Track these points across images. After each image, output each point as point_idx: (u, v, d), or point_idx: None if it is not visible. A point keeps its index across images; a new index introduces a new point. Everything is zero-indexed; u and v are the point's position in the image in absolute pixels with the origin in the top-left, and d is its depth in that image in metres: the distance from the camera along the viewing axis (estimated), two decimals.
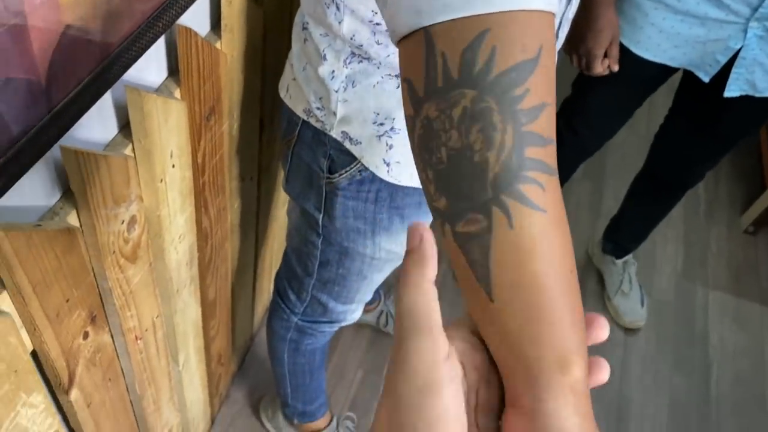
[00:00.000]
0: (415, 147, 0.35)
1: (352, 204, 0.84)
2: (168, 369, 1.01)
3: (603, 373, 0.33)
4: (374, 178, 0.80)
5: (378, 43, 0.68)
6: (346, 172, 0.81)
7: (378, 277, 1.00)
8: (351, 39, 0.69)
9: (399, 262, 0.98)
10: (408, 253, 0.32)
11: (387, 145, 0.76)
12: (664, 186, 1.60)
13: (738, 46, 1.15)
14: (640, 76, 1.31)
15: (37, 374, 0.63)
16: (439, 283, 1.30)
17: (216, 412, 1.49)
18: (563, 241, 0.32)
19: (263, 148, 1.13)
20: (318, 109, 0.78)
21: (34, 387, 0.63)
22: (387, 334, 1.69)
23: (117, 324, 0.78)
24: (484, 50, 0.31)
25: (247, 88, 0.96)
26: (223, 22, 0.80)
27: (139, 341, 0.85)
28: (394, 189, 0.82)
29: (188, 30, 0.69)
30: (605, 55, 1.21)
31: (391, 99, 0.73)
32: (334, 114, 0.76)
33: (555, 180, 0.33)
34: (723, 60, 1.18)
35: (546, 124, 0.32)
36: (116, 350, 0.82)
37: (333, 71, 0.73)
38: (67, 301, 0.65)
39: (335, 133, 0.78)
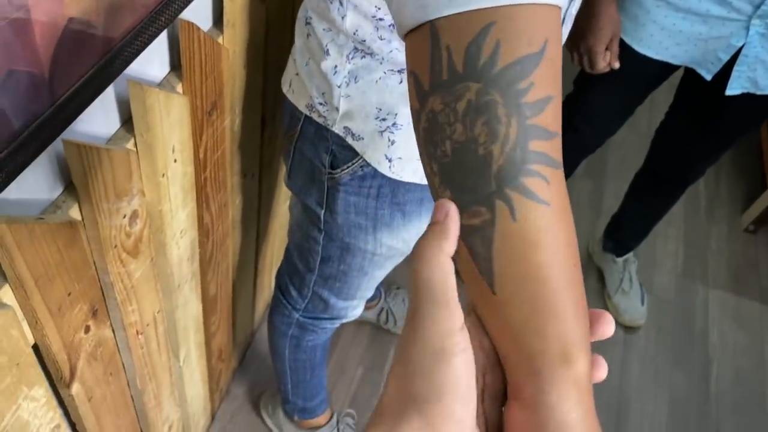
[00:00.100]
0: (421, 140, 0.35)
1: (354, 200, 0.84)
2: (169, 364, 1.01)
3: (601, 371, 0.33)
4: (376, 174, 0.80)
5: (381, 39, 0.68)
6: (348, 167, 0.81)
7: (379, 274, 1.00)
8: (354, 34, 0.69)
9: (400, 259, 0.98)
10: (430, 225, 0.32)
11: (389, 140, 0.76)
12: (665, 182, 1.60)
13: (740, 44, 1.15)
14: (642, 73, 1.31)
15: (38, 367, 0.63)
16: None
17: (216, 408, 1.49)
18: (567, 234, 0.32)
19: (264, 145, 1.13)
20: (320, 104, 0.78)
21: (35, 380, 0.63)
22: (387, 331, 1.69)
23: (118, 318, 0.78)
24: (489, 43, 0.31)
25: (249, 83, 0.95)
26: (225, 17, 0.80)
27: (140, 336, 0.85)
28: (396, 185, 0.82)
29: (191, 25, 0.69)
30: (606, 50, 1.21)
31: (394, 94, 0.73)
32: (337, 109, 0.76)
33: (560, 173, 0.33)
34: (725, 57, 1.18)
35: (551, 118, 0.32)
36: (117, 345, 0.82)
37: (336, 66, 0.73)
38: (69, 294, 0.65)
39: (337, 129, 0.78)
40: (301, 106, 0.82)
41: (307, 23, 0.75)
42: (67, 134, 0.57)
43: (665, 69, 1.28)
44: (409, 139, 0.76)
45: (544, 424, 0.29)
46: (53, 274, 0.60)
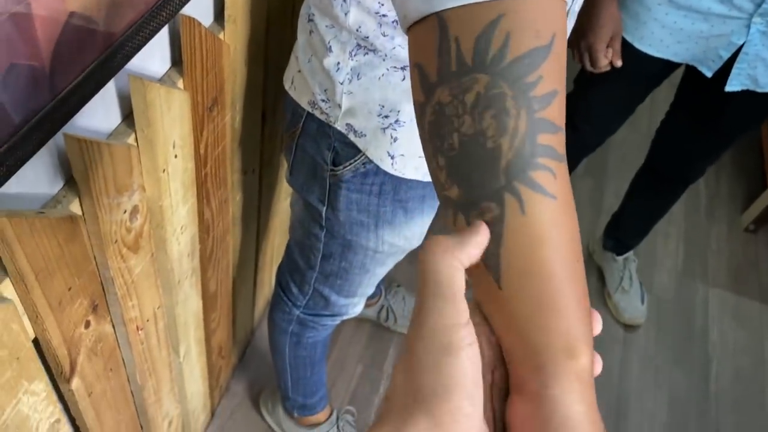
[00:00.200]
0: (426, 134, 0.34)
1: (356, 197, 0.84)
2: (169, 360, 1.01)
3: (596, 367, 0.33)
4: (378, 171, 0.80)
5: (384, 35, 0.68)
6: (350, 164, 0.80)
7: (380, 271, 1.00)
8: (357, 30, 0.68)
9: (402, 256, 0.98)
10: (460, 230, 0.32)
11: (391, 137, 0.76)
12: (665, 181, 1.60)
13: (741, 42, 1.15)
14: (643, 71, 1.31)
15: (38, 362, 0.63)
16: None
17: (216, 405, 1.49)
18: (572, 228, 0.32)
19: (265, 141, 1.13)
20: (323, 101, 0.78)
21: (35, 375, 0.63)
22: (387, 328, 1.69)
23: (118, 314, 0.78)
24: (498, 36, 0.31)
25: (250, 80, 0.95)
26: (226, 13, 0.80)
27: (140, 332, 0.85)
28: (398, 182, 0.81)
29: (192, 20, 0.69)
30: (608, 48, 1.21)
31: (396, 91, 0.72)
32: (339, 106, 0.76)
33: (565, 167, 0.33)
34: (726, 55, 1.18)
35: (557, 112, 0.32)
36: (117, 340, 0.82)
37: (338, 63, 0.73)
38: (69, 289, 0.65)
39: (340, 126, 0.78)
40: (304, 103, 0.82)
41: (310, 20, 0.75)
42: (68, 129, 0.57)
43: (666, 67, 1.28)
44: (411, 136, 0.76)
45: (548, 418, 0.29)
46: (54, 269, 0.60)
